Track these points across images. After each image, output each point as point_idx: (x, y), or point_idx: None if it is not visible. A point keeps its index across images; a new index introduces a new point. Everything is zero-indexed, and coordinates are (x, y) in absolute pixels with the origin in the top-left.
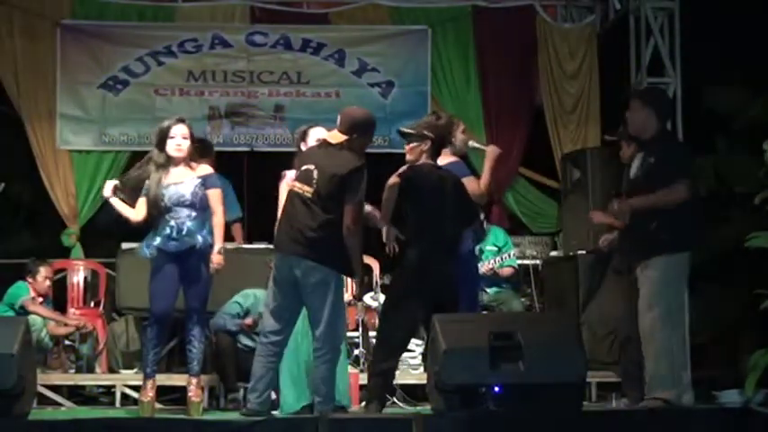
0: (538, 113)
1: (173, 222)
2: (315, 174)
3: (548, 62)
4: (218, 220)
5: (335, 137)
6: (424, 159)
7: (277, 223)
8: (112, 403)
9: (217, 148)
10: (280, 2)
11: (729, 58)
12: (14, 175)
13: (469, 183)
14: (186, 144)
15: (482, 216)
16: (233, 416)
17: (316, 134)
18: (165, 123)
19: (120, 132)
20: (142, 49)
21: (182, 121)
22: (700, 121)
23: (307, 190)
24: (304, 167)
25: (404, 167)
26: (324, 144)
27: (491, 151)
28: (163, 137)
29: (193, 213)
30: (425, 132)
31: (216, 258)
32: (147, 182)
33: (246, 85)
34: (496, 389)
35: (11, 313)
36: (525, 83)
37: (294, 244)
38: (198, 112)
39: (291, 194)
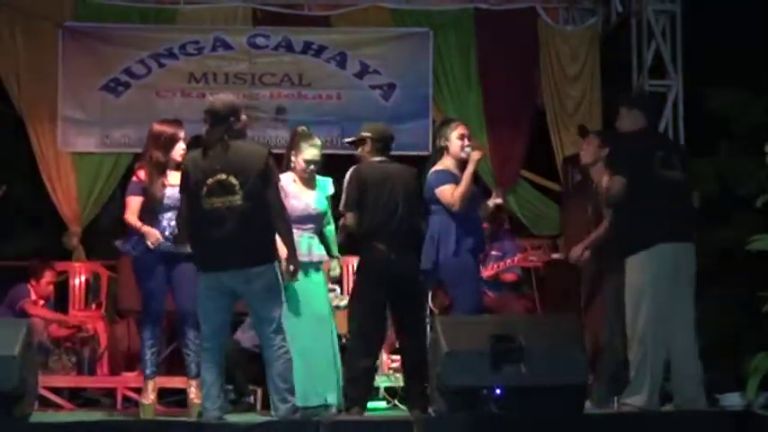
0: (539, 116)
1: (165, 223)
2: (233, 180)
3: (549, 65)
4: None
5: (213, 133)
6: (369, 159)
7: (200, 243)
8: (114, 405)
9: None
10: (281, 4)
11: (731, 60)
12: (16, 177)
13: (442, 192)
14: (185, 149)
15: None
16: (237, 418)
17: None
18: (170, 129)
19: (121, 134)
20: (144, 51)
21: (182, 124)
22: (701, 124)
23: (234, 199)
24: (213, 179)
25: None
26: (209, 145)
27: (471, 157)
28: (171, 141)
29: None
30: (362, 134)
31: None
32: (134, 182)
33: (248, 87)
34: (498, 391)
35: (12, 315)
36: (527, 85)
37: (239, 258)
38: (199, 114)
39: (211, 211)
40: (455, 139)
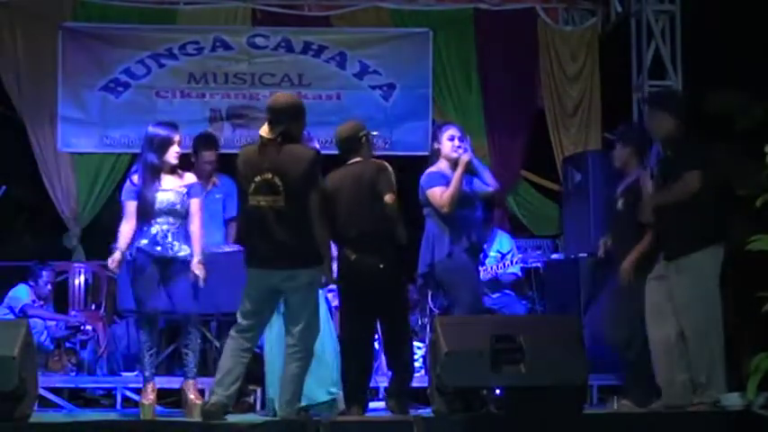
0: (539, 116)
1: (158, 228)
2: (278, 181)
3: (549, 65)
4: (195, 229)
5: (270, 131)
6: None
7: (246, 239)
8: (113, 406)
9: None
10: (281, 5)
11: (731, 60)
12: (16, 177)
13: (431, 195)
14: (179, 152)
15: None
16: (236, 418)
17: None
18: (164, 131)
19: (120, 135)
20: (143, 52)
21: (177, 127)
22: (701, 124)
23: (277, 200)
24: (261, 177)
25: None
26: (263, 143)
27: (462, 158)
28: (165, 144)
29: (178, 221)
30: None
31: (198, 269)
32: (129, 186)
33: (248, 87)
34: (498, 391)
35: (11, 316)
36: (526, 86)
37: (277, 259)
38: (199, 115)
39: (256, 209)
40: (445, 140)
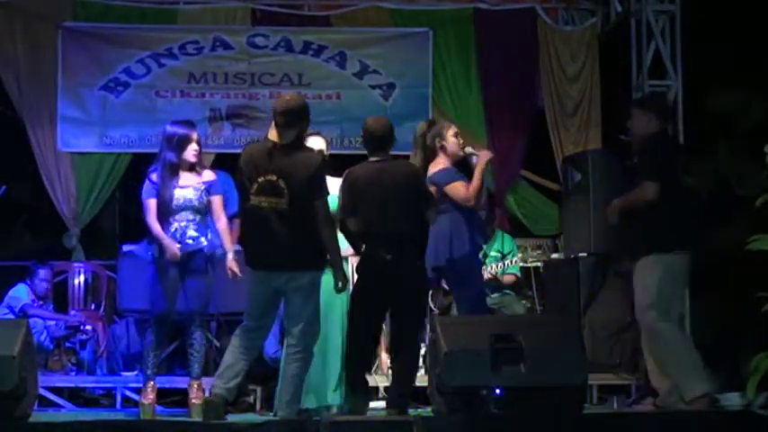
0: (539, 116)
1: (176, 225)
2: (282, 183)
3: (549, 65)
4: (223, 226)
5: (281, 134)
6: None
7: (246, 240)
8: (113, 405)
9: (218, 150)
10: (281, 4)
11: (731, 60)
12: (16, 177)
13: (454, 189)
14: (197, 150)
15: (484, 214)
16: (236, 418)
17: (312, 144)
18: (182, 130)
19: (120, 134)
20: (143, 51)
21: (194, 125)
22: (701, 124)
23: (279, 202)
24: (264, 178)
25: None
26: (272, 146)
27: (482, 155)
28: (184, 142)
29: (198, 218)
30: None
31: (233, 264)
32: (149, 184)
33: (247, 86)
34: (497, 391)
35: (11, 316)
36: (526, 85)
37: (279, 261)
38: (199, 114)
39: (258, 209)
40: (451, 137)
